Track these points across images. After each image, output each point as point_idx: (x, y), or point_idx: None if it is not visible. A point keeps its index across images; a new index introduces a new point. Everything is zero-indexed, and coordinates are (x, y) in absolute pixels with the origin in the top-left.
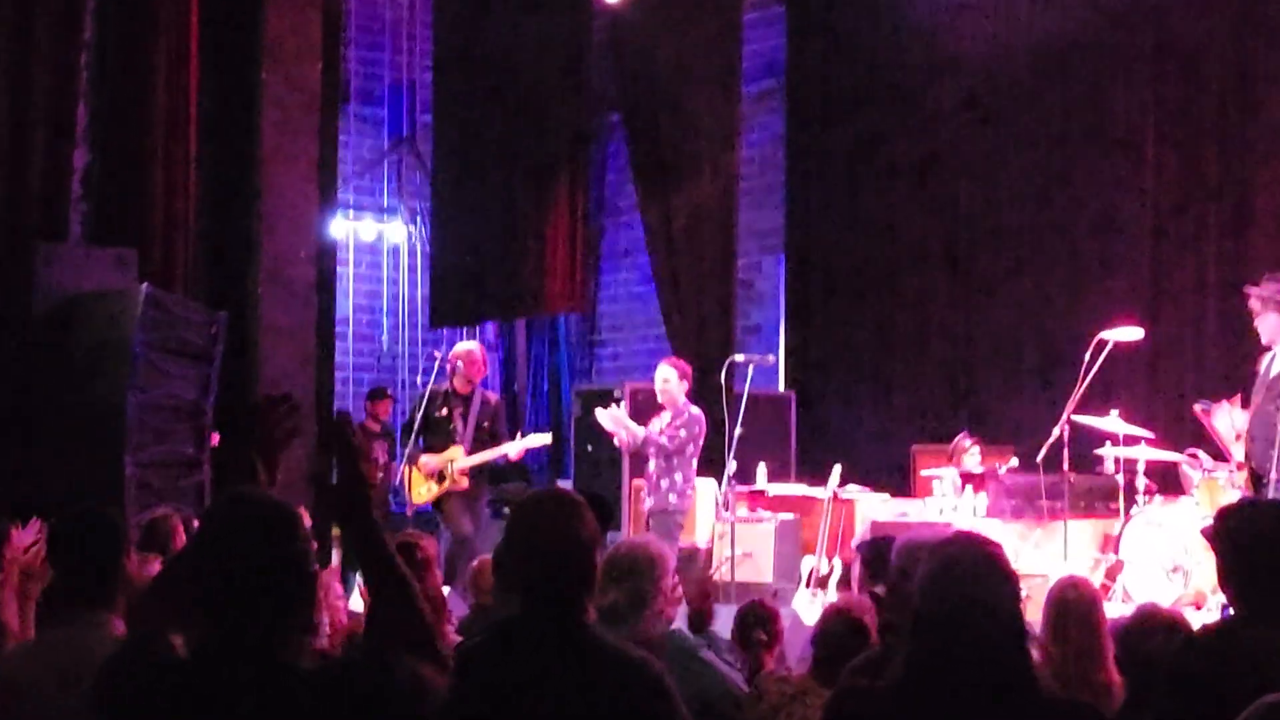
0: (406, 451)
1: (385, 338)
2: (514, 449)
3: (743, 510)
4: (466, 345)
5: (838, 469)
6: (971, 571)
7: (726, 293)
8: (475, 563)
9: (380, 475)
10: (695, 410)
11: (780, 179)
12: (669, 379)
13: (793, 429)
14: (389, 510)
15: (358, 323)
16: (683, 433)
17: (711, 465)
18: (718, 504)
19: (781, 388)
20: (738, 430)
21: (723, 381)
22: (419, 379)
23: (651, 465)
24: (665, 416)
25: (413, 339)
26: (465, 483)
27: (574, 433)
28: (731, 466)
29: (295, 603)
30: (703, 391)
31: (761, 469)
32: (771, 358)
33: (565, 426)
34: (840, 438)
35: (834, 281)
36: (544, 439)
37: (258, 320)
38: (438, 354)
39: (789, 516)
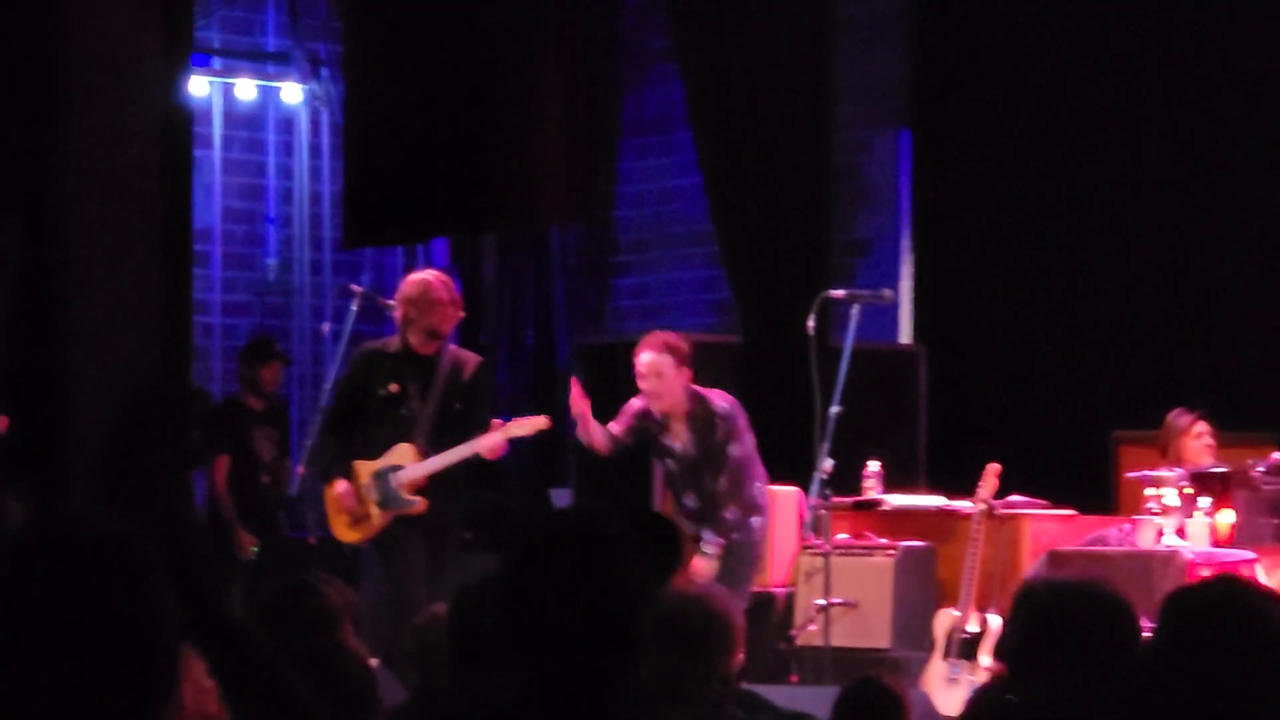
0: (308, 453)
1: (273, 263)
2: (487, 444)
3: (843, 535)
4: (420, 277)
5: (995, 469)
6: (1251, 645)
7: (818, 188)
8: (421, 619)
9: (267, 480)
10: (722, 405)
11: (901, 8)
12: (661, 369)
13: (922, 406)
14: (280, 533)
15: (229, 238)
16: (733, 449)
17: (792, 463)
18: (803, 525)
19: (906, 339)
20: (834, 408)
21: (810, 329)
22: (326, 328)
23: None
24: (678, 434)
25: (317, 264)
26: (419, 504)
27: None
28: (825, 466)
29: (133, 687)
30: (777, 345)
31: (873, 470)
32: (890, 293)
33: (560, 400)
34: (998, 419)
35: (986, 169)
36: (533, 425)
37: (70, 233)
38: (357, 289)
39: (917, 544)
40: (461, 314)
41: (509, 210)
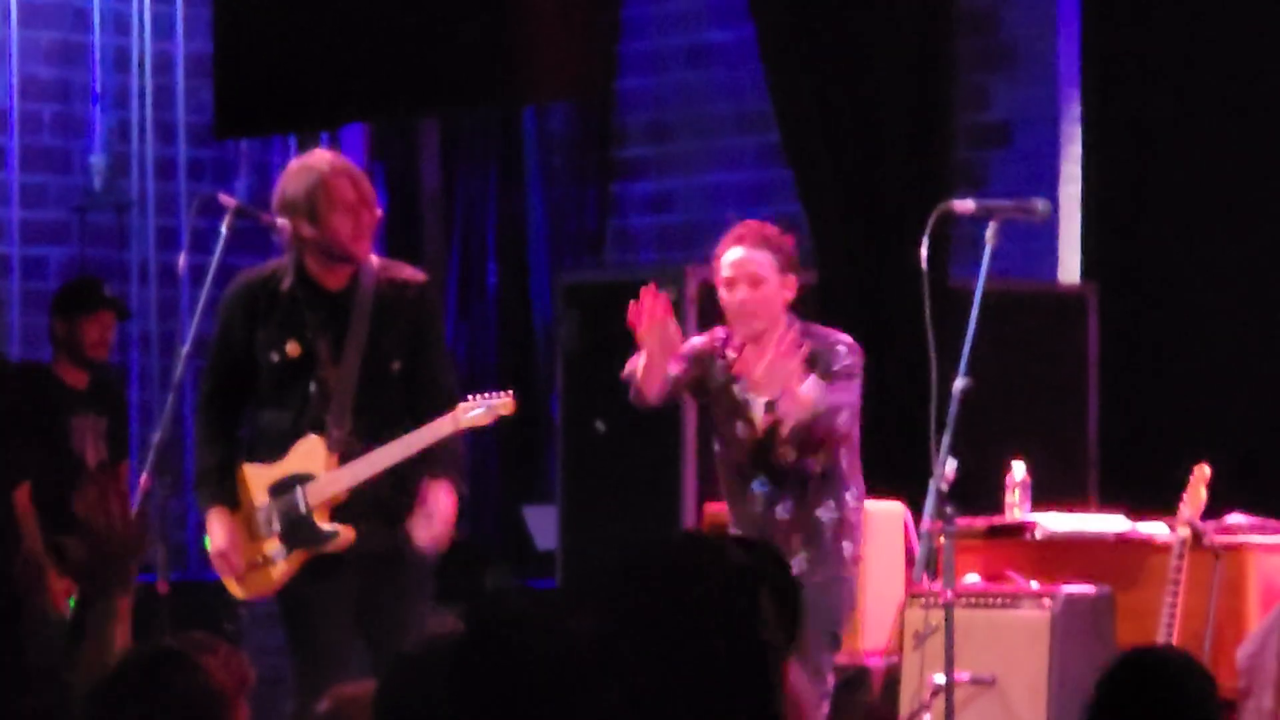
0: (155, 454)
1: (100, 161)
2: (446, 429)
3: (973, 576)
4: (305, 162)
5: (1204, 475)
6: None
7: (932, 45)
8: (326, 706)
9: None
10: (843, 342)
11: None
12: (760, 272)
13: (1092, 378)
14: (121, 576)
15: (31, 125)
16: (846, 396)
17: (895, 466)
18: (912, 561)
19: (1070, 275)
20: (960, 381)
21: (923, 261)
22: (182, 261)
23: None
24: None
25: (166, 164)
26: (343, 536)
27: (562, 387)
28: (947, 471)
29: None
30: (870, 285)
31: (1018, 477)
32: (1044, 204)
33: (540, 369)
34: (1208, 400)
35: (1191, 11)
36: (494, 409)
37: None
38: (230, 201)
39: (1086, 589)
40: (377, 214)
41: (458, 83)
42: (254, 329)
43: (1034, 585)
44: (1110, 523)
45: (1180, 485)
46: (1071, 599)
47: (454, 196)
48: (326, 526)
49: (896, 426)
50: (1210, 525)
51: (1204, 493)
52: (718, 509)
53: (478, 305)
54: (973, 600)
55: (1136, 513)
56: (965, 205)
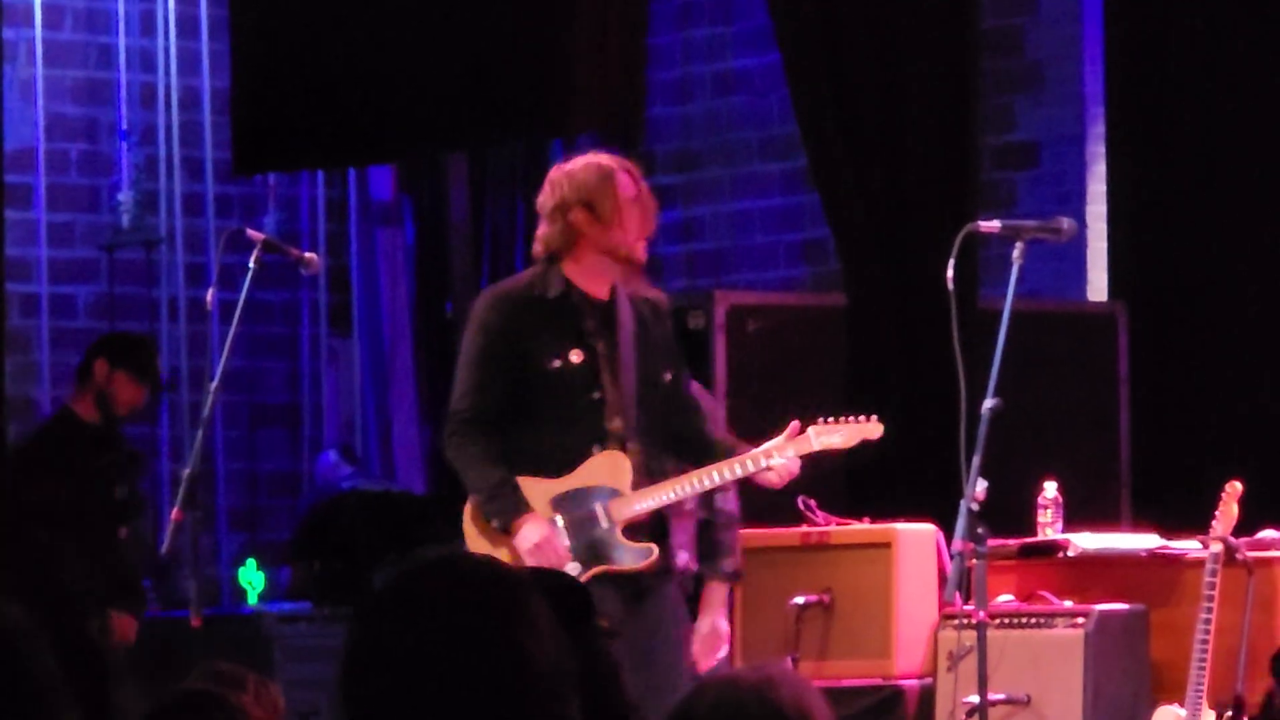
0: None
1: (128, 199)
2: (777, 461)
3: (1006, 596)
4: (591, 159)
5: (1236, 491)
6: None
7: (958, 66)
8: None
9: (125, 533)
10: None
11: None
12: None
13: (1123, 395)
14: (139, 611)
15: (58, 164)
16: None
17: (925, 487)
18: (943, 582)
19: (1098, 294)
20: (989, 402)
21: (950, 281)
22: (210, 296)
23: None
24: None
25: (195, 200)
26: (652, 556)
27: None
28: (977, 491)
29: None
30: (898, 306)
31: (1050, 496)
32: (1071, 224)
33: None
34: (1239, 415)
35: (1215, 30)
36: (860, 432)
37: None
38: (257, 236)
39: (1119, 608)
40: (654, 223)
41: (485, 119)
42: (526, 338)
43: (1067, 604)
44: (1143, 540)
45: (1212, 502)
46: (1105, 617)
47: (482, 227)
48: (633, 544)
49: (927, 448)
50: (1243, 541)
51: (1236, 509)
52: (749, 534)
53: None
54: (1006, 620)
55: (1169, 530)
56: (991, 226)
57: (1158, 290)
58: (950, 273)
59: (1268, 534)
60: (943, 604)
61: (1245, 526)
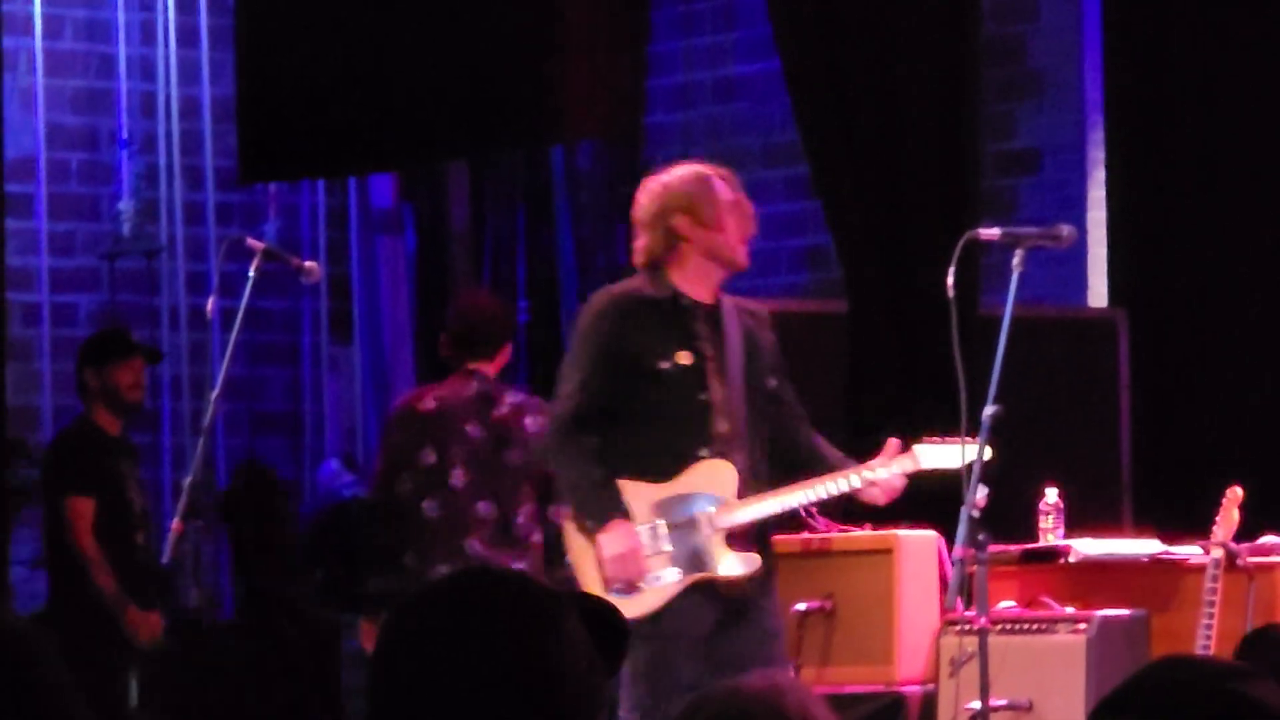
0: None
1: (128, 208)
2: (881, 475)
3: (1008, 602)
4: (691, 168)
5: (1237, 496)
6: None
7: (958, 74)
8: None
9: (142, 540)
10: None
11: None
12: None
13: (1123, 402)
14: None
15: (58, 173)
16: None
17: (926, 493)
18: (945, 588)
19: (1098, 300)
20: (990, 408)
21: (950, 289)
22: (210, 305)
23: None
24: None
25: (195, 209)
26: (753, 563)
27: None
28: (978, 497)
29: None
30: (899, 313)
31: (1051, 502)
32: (1070, 231)
33: None
34: (1239, 420)
35: (1213, 39)
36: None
37: None
38: (257, 245)
39: (1120, 613)
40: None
41: (484, 126)
42: (635, 340)
43: (1069, 610)
44: (1144, 546)
45: (1213, 507)
46: (1106, 622)
47: (483, 235)
48: (736, 552)
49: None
50: (1244, 547)
51: (1237, 514)
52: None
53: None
54: (1007, 626)
55: (1170, 535)
56: (991, 233)
57: (1158, 296)
58: (951, 279)
59: (1269, 539)
60: (944, 610)
61: (1246, 532)
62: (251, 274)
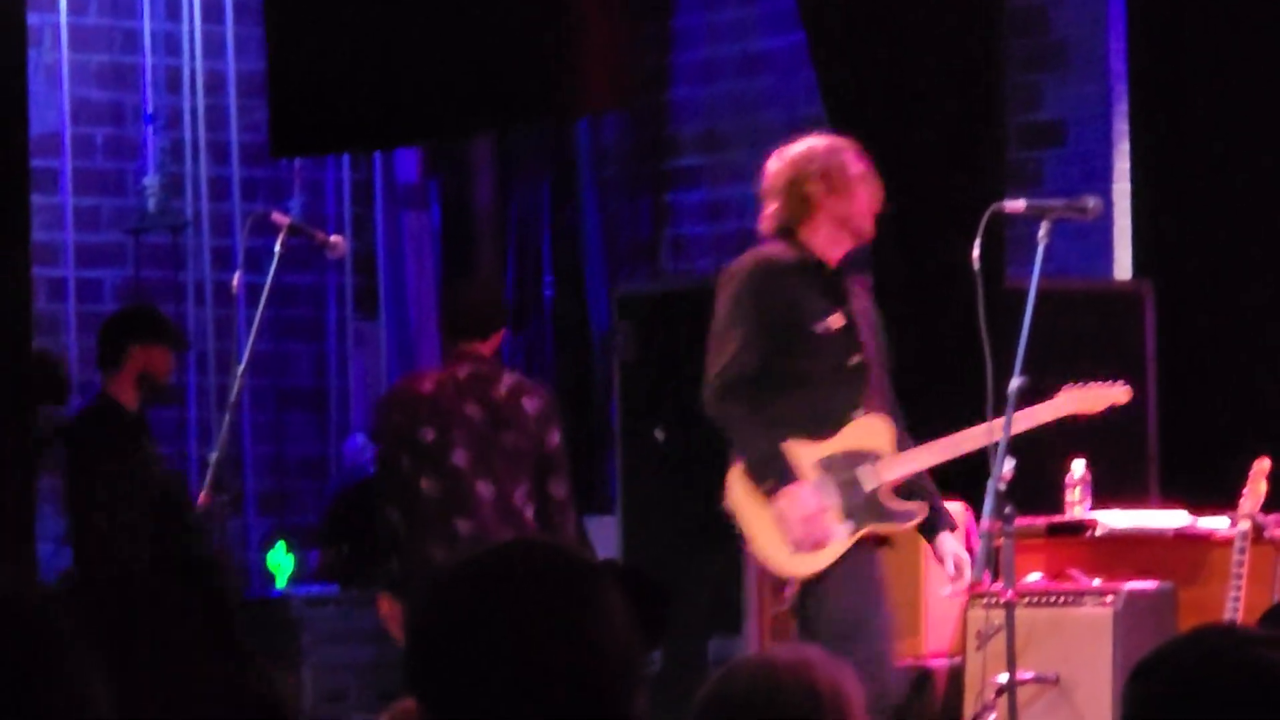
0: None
1: (153, 183)
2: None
3: (1035, 575)
4: (825, 139)
5: (1264, 468)
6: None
7: (984, 46)
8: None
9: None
10: None
11: None
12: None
13: (1150, 374)
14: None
15: (83, 148)
16: None
17: (951, 466)
18: (971, 557)
19: (1124, 272)
20: (1016, 380)
21: (976, 261)
22: (236, 280)
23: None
24: None
25: (221, 184)
26: (917, 512)
27: (619, 397)
28: (1005, 470)
29: None
30: (924, 285)
31: (1078, 475)
32: (1097, 202)
33: (597, 379)
34: (1267, 393)
35: (1240, 9)
36: (1108, 396)
37: None
38: (283, 219)
39: (1147, 586)
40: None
41: (509, 100)
42: (793, 302)
43: (1096, 583)
44: (1171, 518)
45: (1240, 479)
46: (1134, 595)
47: (508, 210)
48: (899, 505)
49: (954, 427)
50: (1271, 519)
51: (1264, 486)
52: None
53: (534, 318)
54: (1034, 599)
55: (1197, 508)
56: (1016, 205)
57: (1184, 268)
58: (976, 252)
59: None
60: (971, 583)
61: (1274, 503)
62: (277, 249)
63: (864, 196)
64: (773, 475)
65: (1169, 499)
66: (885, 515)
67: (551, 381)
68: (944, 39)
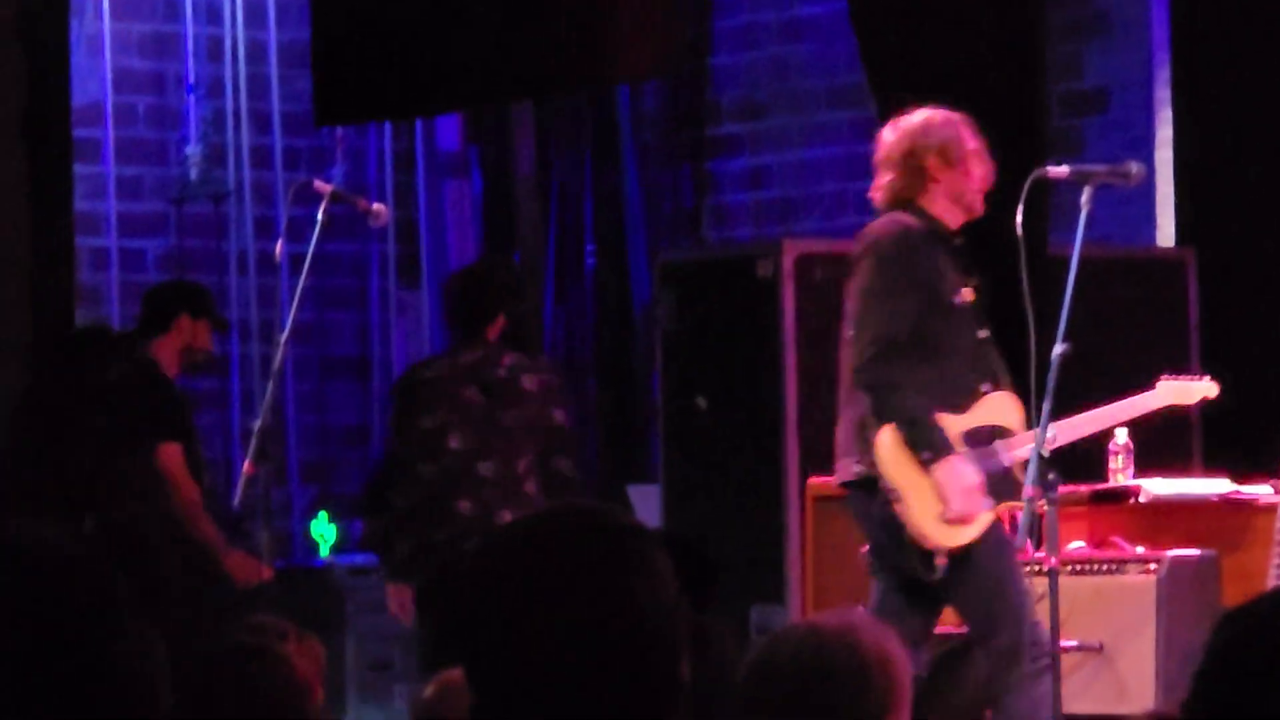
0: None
1: (195, 152)
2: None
3: (1077, 543)
4: (940, 111)
5: None
6: None
7: (1025, 14)
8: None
9: (208, 484)
10: None
11: None
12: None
13: (1193, 342)
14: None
15: (126, 117)
16: None
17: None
18: (1014, 528)
19: (1166, 239)
20: (1059, 347)
21: (1019, 228)
22: (279, 249)
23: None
24: None
25: (263, 153)
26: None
27: (661, 365)
28: (1048, 436)
29: None
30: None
31: (1120, 442)
32: (1139, 169)
33: (639, 348)
34: None
35: None
36: (1201, 389)
37: None
38: (325, 187)
39: (1191, 553)
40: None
41: (550, 66)
42: (933, 273)
43: (1139, 550)
44: (1214, 486)
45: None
46: (1177, 563)
47: (549, 179)
48: (1033, 480)
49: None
50: None
51: None
52: (821, 483)
53: (575, 287)
54: (1077, 567)
55: (1241, 475)
56: (1059, 171)
57: (1227, 235)
58: (1019, 219)
59: None
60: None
61: None
62: (320, 216)
63: (978, 172)
64: (931, 446)
65: (1212, 466)
66: (1020, 492)
67: (592, 350)
68: (985, 6)
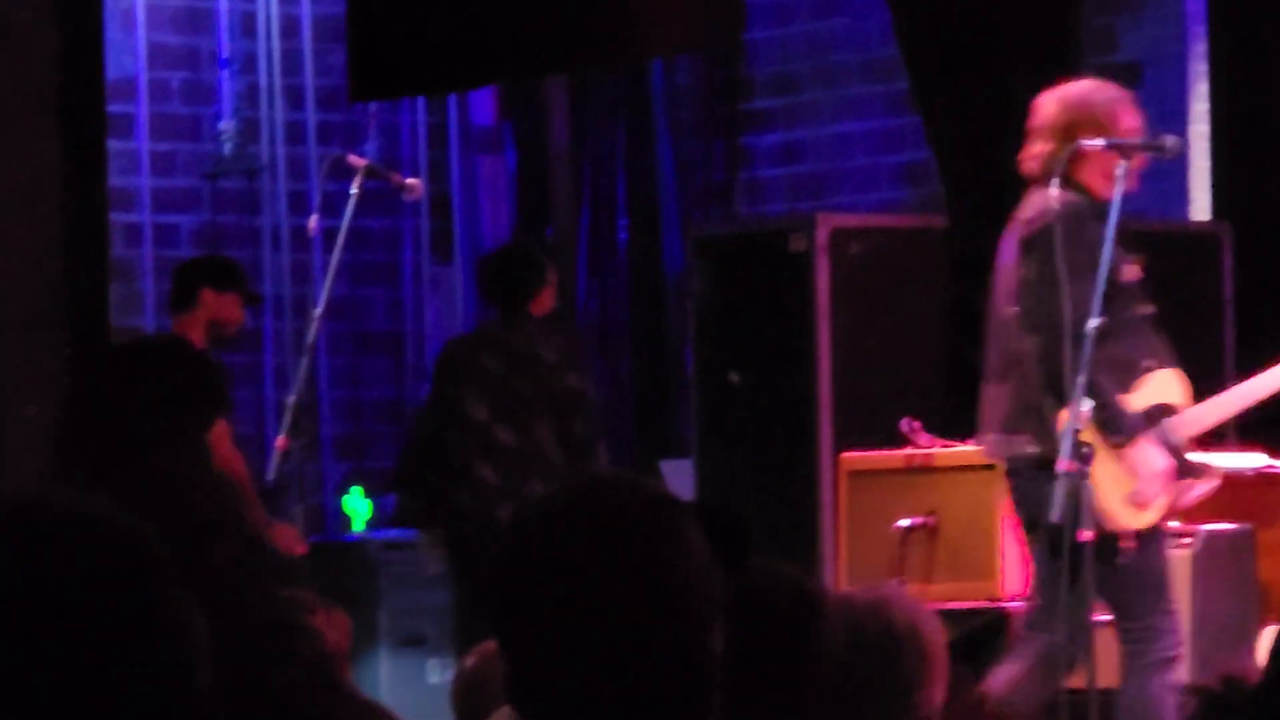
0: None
1: (229, 127)
2: None
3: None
4: (1091, 82)
5: None
6: None
7: None
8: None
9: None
10: None
11: None
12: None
13: (1227, 316)
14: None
15: (159, 92)
16: None
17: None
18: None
19: (1201, 213)
20: (1093, 321)
21: (1053, 195)
22: (313, 224)
23: None
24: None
25: (296, 128)
26: (1214, 476)
27: (694, 339)
28: (1083, 411)
29: None
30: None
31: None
32: (1175, 142)
33: (672, 322)
34: None
35: None
36: None
37: None
38: (359, 162)
39: (1225, 528)
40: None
41: (584, 41)
42: (1102, 249)
43: (1174, 524)
44: (1249, 460)
45: None
46: (1212, 537)
47: (583, 153)
48: (1199, 462)
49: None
50: None
51: None
52: (854, 457)
53: (609, 261)
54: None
55: (1276, 449)
56: (1094, 144)
57: (1262, 209)
58: (1054, 192)
59: None
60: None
61: None
62: (353, 192)
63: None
64: (1123, 430)
65: (1247, 440)
66: (1192, 472)
67: (625, 325)
68: None
